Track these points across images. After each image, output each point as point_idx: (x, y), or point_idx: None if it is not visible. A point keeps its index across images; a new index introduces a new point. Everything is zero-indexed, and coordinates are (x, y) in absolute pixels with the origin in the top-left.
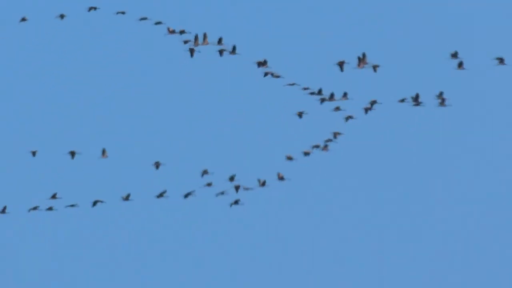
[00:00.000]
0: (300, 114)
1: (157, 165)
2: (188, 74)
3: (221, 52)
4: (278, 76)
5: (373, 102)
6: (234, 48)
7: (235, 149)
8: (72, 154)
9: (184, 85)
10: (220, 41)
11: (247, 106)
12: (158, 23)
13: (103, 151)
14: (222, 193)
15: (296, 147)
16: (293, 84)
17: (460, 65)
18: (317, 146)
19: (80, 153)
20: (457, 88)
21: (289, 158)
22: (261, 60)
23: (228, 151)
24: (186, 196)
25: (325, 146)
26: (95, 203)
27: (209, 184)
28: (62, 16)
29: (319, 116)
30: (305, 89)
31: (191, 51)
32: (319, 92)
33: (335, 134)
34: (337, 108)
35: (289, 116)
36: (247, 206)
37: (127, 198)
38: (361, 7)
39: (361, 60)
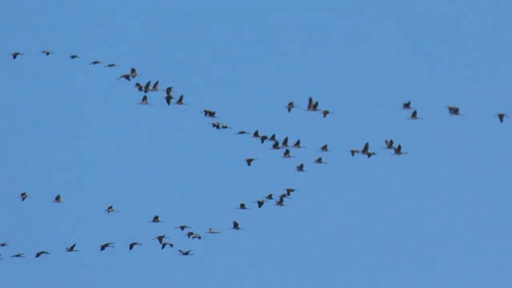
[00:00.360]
0: (249, 161)
1: (109, 210)
2: (140, 121)
3: (168, 99)
4: (225, 127)
5: (324, 148)
6: (181, 98)
7: (186, 198)
8: (23, 196)
9: (136, 131)
10: (169, 89)
11: (198, 154)
12: (111, 65)
13: (58, 197)
14: (171, 245)
15: (249, 195)
16: (243, 132)
17: (414, 114)
18: (270, 197)
19: (31, 196)
20: (410, 137)
21: (242, 207)
22: (210, 109)
23: (180, 200)
24: (102, 248)
25: (280, 201)
26: (39, 254)
27: (160, 238)
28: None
29: (270, 163)
30: (256, 135)
31: (144, 98)
32: (273, 138)
33: (289, 191)
34: (287, 154)
35: (240, 164)
36: (198, 255)
37: (71, 248)
38: (312, 53)
39: (311, 102)
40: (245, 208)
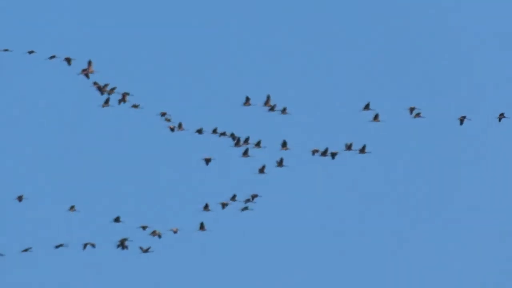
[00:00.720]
0: (207, 160)
1: (71, 209)
2: (99, 122)
3: (123, 100)
4: (182, 129)
5: (284, 144)
6: (136, 105)
7: (147, 200)
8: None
9: (95, 132)
10: (126, 94)
11: (156, 156)
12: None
13: (20, 197)
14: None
15: (211, 196)
16: (200, 131)
17: (376, 117)
18: (233, 199)
19: None
20: (369, 140)
21: (206, 209)
22: (163, 111)
23: (141, 202)
24: (57, 247)
25: (245, 208)
26: None
27: (122, 242)
28: None
29: (231, 162)
30: (214, 132)
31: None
32: (232, 135)
33: (253, 196)
34: (246, 154)
35: (198, 163)
36: (159, 254)
37: (26, 250)
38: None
39: (268, 100)
40: (209, 210)
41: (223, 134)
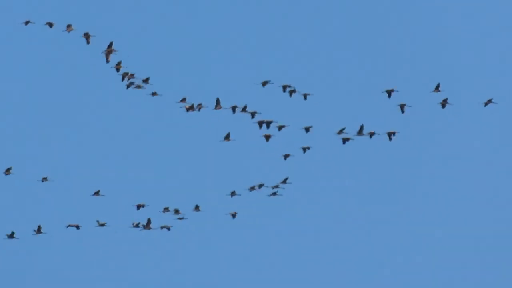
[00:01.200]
0: (227, 137)
1: (96, 194)
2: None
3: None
4: (200, 107)
5: (307, 128)
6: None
7: (172, 185)
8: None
9: (119, 121)
10: (146, 80)
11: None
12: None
13: (44, 178)
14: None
15: (238, 181)
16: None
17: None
18: (261, 185)
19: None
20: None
21: (233, 194)
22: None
23: (166, 186)
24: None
25: (274, 193)
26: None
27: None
28: None
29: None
30: (235, 108)
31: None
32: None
33: (285, 180)
34: (268, 136)
35: (218, 143)
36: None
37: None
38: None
39: (286, 87)
40: (236, 194)
41: (244, 110)
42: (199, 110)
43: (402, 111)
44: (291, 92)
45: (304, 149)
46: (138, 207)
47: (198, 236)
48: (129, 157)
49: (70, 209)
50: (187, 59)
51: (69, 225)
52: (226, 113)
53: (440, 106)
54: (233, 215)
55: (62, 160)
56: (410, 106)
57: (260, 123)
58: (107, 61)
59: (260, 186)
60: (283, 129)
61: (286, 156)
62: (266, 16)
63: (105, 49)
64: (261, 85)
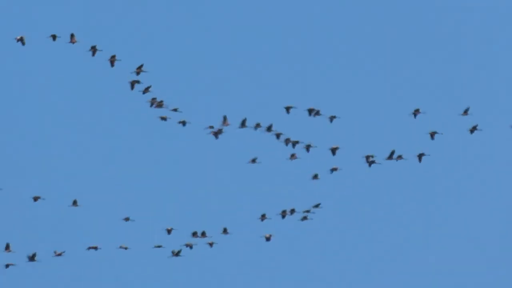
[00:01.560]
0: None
1: (126, 220)
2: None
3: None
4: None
5: (334, 149)
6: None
7: (197, 207)
8: (35, 199)
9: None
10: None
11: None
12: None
13: (74, 201)
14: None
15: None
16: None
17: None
18: (292, 211)
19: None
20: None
21: (263, 218)
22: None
23: (194, 208)
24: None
25: (304, 217)
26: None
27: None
28: None
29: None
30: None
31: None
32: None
33: (317, 205)
34: (293, 156)
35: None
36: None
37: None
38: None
39: (312, 110)
40: (266, 218)
41: (269, 129)
42: (222, 130)
43: (432, 138)
44: (315, 114)
45: (332, 170)
46: (169, 231)
47: (225, 260)
48: (158, 182)
49: (97, 233)
50: (212, 84)
51: (89, 247)
52: (252, 135)
53: (469, 132)
54: (267, 238)
55: (92, 185)
56: (441, 133)
57: (287, 142)
58: (132, 89)
59: (292, 211)
60: (310, 149)
61: (314, 176)
62: (293, 39)
63: (132, 79)
64: (285, 110)
